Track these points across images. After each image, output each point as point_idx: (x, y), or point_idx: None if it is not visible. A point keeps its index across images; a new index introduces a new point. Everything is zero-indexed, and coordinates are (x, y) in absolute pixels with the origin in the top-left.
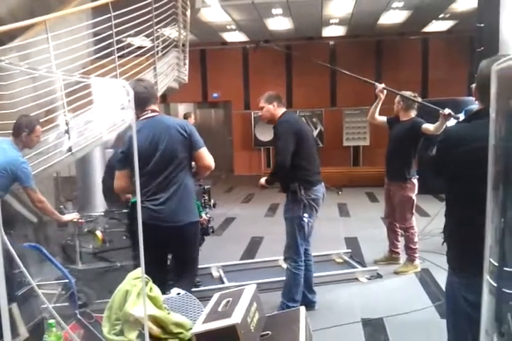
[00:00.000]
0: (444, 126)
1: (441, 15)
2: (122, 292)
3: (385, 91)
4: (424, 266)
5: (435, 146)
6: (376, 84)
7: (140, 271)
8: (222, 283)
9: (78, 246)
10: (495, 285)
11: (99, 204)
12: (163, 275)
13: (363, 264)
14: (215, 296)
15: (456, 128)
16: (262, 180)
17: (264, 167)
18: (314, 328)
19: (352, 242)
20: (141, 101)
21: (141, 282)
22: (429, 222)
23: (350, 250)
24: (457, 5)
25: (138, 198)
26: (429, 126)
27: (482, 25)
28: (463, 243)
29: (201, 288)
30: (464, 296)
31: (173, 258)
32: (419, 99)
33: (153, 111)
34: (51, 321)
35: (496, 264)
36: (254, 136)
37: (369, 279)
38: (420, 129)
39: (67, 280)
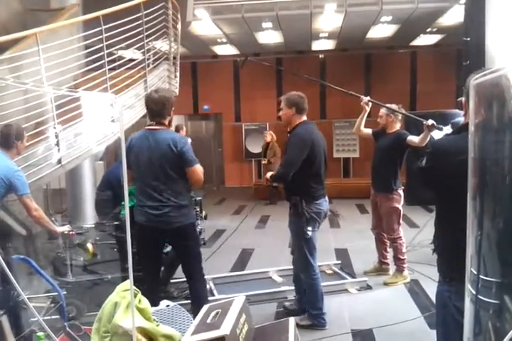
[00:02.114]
0: (429, 137)
1: (428, 30)
2: (111, 304)
3: (370, 104)
4: (413, 277)
5: (424, 157)
6: (361, 96)
7: (128, 283)
8: (213, 295)
9: (69, 259)
10: (474, 292)
11: (90, 217)
12: (157, 277)
13: (352, 275)
14: (205, 308)
15: (446, 140)
16: (268, 175)
17: (255, 179)
18: (303, 340)
19: (342, 253)
20: (149, 113)
21: (130, 294)
22: (418, 232)
23: (340, 261)
24: (444, 19)
25: (126, 204)
26: (413, 138)
27: (468, 39)
28: (453, 252)
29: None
30: (455, 305)
31: (179, 258)
32: (403, 111)
33: (158, 123)
34: (40, 334)
35: (475, 273)
36: (245, 148)
37: (359, 290)
38: (405, 141)
39: (56, 293)
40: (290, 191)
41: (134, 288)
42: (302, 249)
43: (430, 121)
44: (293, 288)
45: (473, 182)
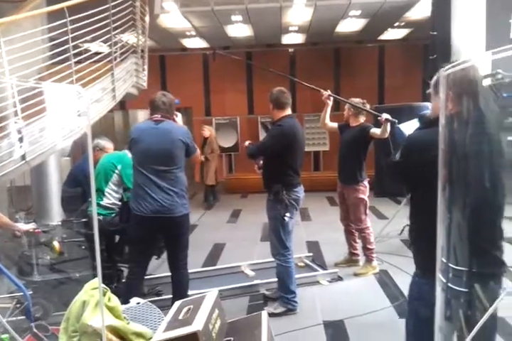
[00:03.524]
0: (388, 129)
1: (396, 24)
2: (79, 303)
3: (332, 98)
4: (382, 268)
5: (398, 152)
6: (322, 91)
7: (97, 281)
8: None
9: (35, 258)
10: (444, 281)
11: (56, 214)
12: (146, 269)
13: (324, 267)
14: (176, 304)
15: (419, 135)
16: (247, 143)
17: (226, 173)
18: (276, 332)
19: (313, 246)
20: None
21: (99, 292)
22: (387, 224)
23: (311, 254)
24: (411, 13)
25: (93, 201)
26: (376, 131)
27: (435, 33)
28: (431, 245)
29: (163, 297)
30: (434, 302)
31: (169, 245)
32: (367, 106)
33: (163, 116)
34: (4, 336)
35: (445, 261)
36: (216, 143)
37: (330, 282)
38: (368, 133)
39: (21, 293)
40: (270, 180)
41: (103, 286)
42: (279, 232)
43: (385, 115)
44: (265, 281)
45: (444, 174)
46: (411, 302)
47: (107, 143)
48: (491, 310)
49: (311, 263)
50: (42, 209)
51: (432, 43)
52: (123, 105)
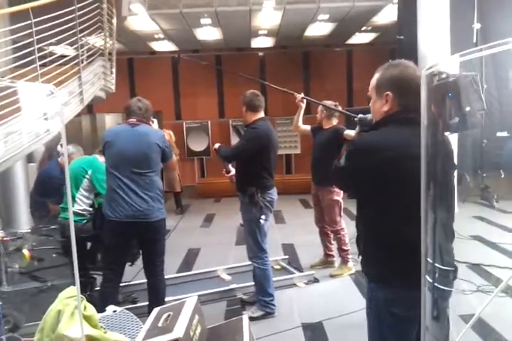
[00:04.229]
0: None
1: (363, 28)
2: (54, 312)
3: (305, 101)
4: (358, 268)
5: (343, 157)
6: (295, 94)
7: (74, 289)
8: None
9: (3, 266)
10: (431, 281)
11: (25, 221)
12: (122, 275)
13: (300, 269)
14: (155, 311)
15: (365, 138)
16: (217, 145)
17: (198, 177)
18: (255, 336)
19: (289, 248)
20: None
21: (76, 301)
22: None
23: (287, 256)
24: (378, 18)
25: (69, 207)
26: (350, 132)
27: (401, 37)
28: (388, 255)
29: (139, 304)
30: (390, 311)
31: (145, 251)
32: (340, 108)
33: (138, 120)
34: None
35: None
36: (187, 147)
37: (307, 284)
38: (342, 135)
39: None
40: (245, 183)
41: (80, 295)
42: (255, 235)
43: (361, 116)
44: (241, 285)
45: (426, 175)
46: (371, 317)
47: (75, 150)
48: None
49: (287, 266)
50: (9, 216)
51: (398, 47)
52: (90, 109)
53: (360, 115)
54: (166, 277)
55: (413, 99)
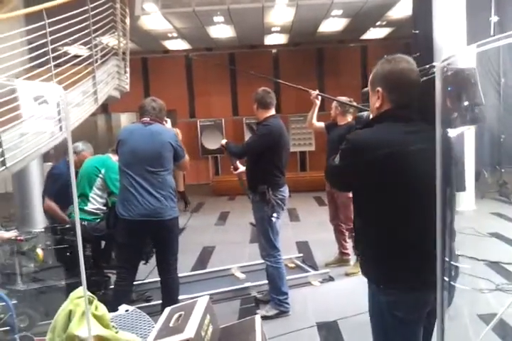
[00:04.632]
0: None
1: (378, 23)
2: (65, 312)
3: (320, 98)
4: None
5: (337, 155)
6: (310, 91)
7: (82, 290)
8: None
9: (18, 266)
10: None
11: (40, 221)
12: (135, 274)
13: (315, 268)
14: (166, 311)
15: (363, 134)
16: (224, 142)
17: (212, 175)
18: (269, 335)
19: (303, 246)
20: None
21: (85, 301)
22: None
23: (302, 254)
24: (393, 12)
25: (76, 207)
26: None
27: (417, 31)
28: (388, 257)
29: (152, 303)
30: (394, 314)
31: (158, 250)
32: (355, 104)
33: (151, 119)
34: None
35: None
36: (201, 145)
37: (321, 282)
38: None
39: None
40: (256, 180)
41: (89, 294)
42: (267, 233)
43: (357, 114)
44: (256, 283)
45: (441, 171)
46: (375, 319)
47: (85, 148)
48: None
49: (301, 264)
50: (24, 215)
51: (414, 41)
52: (106, 108)
53: (359, 113)
54: (180, 275)
55: (405, 95)
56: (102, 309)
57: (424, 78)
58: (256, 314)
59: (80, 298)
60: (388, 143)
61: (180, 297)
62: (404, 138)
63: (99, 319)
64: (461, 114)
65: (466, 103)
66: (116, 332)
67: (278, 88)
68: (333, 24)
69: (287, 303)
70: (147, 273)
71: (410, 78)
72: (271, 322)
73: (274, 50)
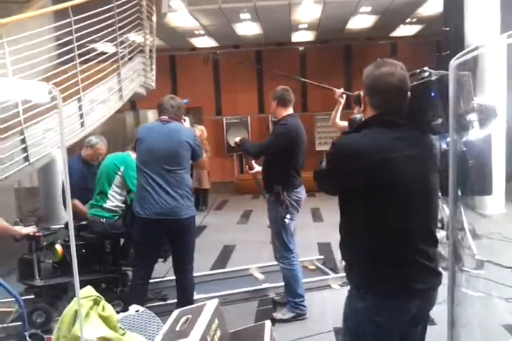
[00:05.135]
0: None
1: (408, 20)
2: (71, 312)
3: (345, 96)
4: None
5: (324, 160)
6: (334, 89)
7: (90, 289)
8: None
9: (36, 261)
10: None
11: (63, 216)
12: (151, 273)
13: (335, 270)
14: (175, 313)
15: (349, 140)
16: (237, 139)
17: (237, 173)
18: (285, 339)
19: (325, 248)
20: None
21: (91, 301)
22: None
23: (322, 256)
24: (423, 9)
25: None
26: None
27: (447, 28)
28: (370, 262)
29: (168, 302)
30: (372, 319)
31: (174, 249)
32: None
33: (170, 117)
34: None
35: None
36: (227, 142)
37: (341, 286)
38: None
39: (26, 297)
40: (271, 181)
41: (97, 294)
42: (281, 235)
43: (352, 116)
44: (274, 285)
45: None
46: (350, 327)
47: (98, 140)
48: None
49: (322, 266)
50: (49, 211)
51: (444, 39)
52: (134, 105)
53: (355, 115)
54: (198, 274)
55: (385, 100)
56: (109, 310)
57: (415, 83)
58: (272, 317)
59: (85, 298)
60: (373, 149)
61: (196, 296)
62: (390, 144)
63: (105, 320)
64: (447, 120)
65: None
66: (123, 334)
67: (304, 86)
68: (361, 21)
69: (304, 306)
70: (166, 270)
71: (390, 83)
72: (287, 325)
73: (301, 48)
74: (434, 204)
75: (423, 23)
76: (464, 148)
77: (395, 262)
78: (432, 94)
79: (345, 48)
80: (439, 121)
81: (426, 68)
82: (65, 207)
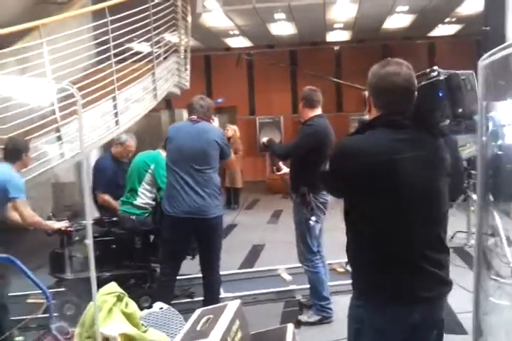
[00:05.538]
0: None
1: (446, 19)
2: (94, 308)
3: None
4: None
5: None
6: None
7: (114, 286)
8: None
9: (67, 255)
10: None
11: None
12: (177, 272)
13: None
14: (196, 312)
15: (352, 141)
16: (265, 139)
17: (268, 173)
18: None
19: None
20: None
21: (115, 297)
22: None
23: None
24: (462, 9)
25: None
26: None
27: (488, 28)
28: (372, 267)
29: (195, 299)
30: (372, 325)
31: (201, 247)
32: None
33: (199, 117)
34: (19, 339)
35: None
36: (259, 142)
37: None
38: None
39: (57, 290)
40: (298, 182)
41: (121, 291)
42: (305, 237)
43: (360, 118)
44: (301, 287)
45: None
46: (353, 333)
47: (128, 138)
48: None
49: (350, 269)
50: (83, 206)
51: (484, 39)
52: (169, 104)
53: (363, 117)
54: (226, 273)
55: (389, 100)
56: (132, 306)
57: (423, 83)
58: (298, 319)
59: (108, 294)
60: (375, 150)
61: (223, 295)
62: (393, 146)
63: (128, 317)
64: (456, 121)
65: (460, 110)
66: (145, 331)
67: (339, 87)
68: (398, 20)
69: (330, 309)
70: (195, 267)
71: (395, 82)
72: (313, 328)
73: (336, 47)
74: (442, 210)
75: (462, 23)
76: (499, 152)
77: (398, 268)
78: (440, 94)
79: (382, 48)
80: (447, 122)
81: (435, 67)
82: (95, 203)
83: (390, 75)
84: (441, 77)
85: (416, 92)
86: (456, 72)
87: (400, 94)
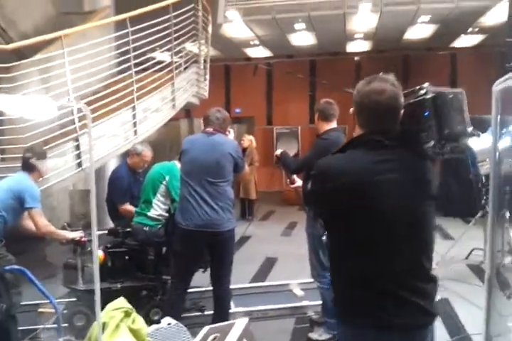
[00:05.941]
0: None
1: (469, 30)
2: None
3: None
4: (443, 295)
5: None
6: None
7: (122, 301)
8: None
9: (80, 266)
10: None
11: (108, 222)
12: (188, 286)
13: None
14: (204, 330)
15: (329, 161)
16: (278, 152)
17: (285, 184)
18: None
19: None
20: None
21: (122, 313)
22: (453, 245)
23: None
24: (486, 19)
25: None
26: None
27: (511, 40)
28: (347, 291)
29: (205, 313)
30: None
31: (213, 261)
32: None
33: (214, 129)
34: None
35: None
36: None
37: None
38: None
39: (69, 300)
40: None
41: (129, 306)
42: (317, 252)
43: None
44: (313, 303)
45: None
46: None
47: (144, 148)
48: None
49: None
50: (99, 215)
51: (508, 50)
52: (188, 113)
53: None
54: (238, 286)
55: (372, 119)
56: (139, 323)
57: (412, 101)
58: (308, 337)
59: (115, 309)
60: (352, 171)
61: (234, 309)
62: (372, 167)
63: (135, 333)
64: (441, 144)
65: (447, 131)
66: None
67: None
68: (419, 30)
69: None
70: (206, 281)
71: (378, 101)
72: None
73: (356, 58)
74: (425, 235)
75: (486, 33)
76: None
77: (373, 294)
78: (425, 114)
79: (403, 58)
80: (431, 143)
81: (425, 85)
82: (109, 212)
83: (373, 93)
84: (428, 96)
85: (402, 111)
86: (445, 91)
87: (383, 113)
